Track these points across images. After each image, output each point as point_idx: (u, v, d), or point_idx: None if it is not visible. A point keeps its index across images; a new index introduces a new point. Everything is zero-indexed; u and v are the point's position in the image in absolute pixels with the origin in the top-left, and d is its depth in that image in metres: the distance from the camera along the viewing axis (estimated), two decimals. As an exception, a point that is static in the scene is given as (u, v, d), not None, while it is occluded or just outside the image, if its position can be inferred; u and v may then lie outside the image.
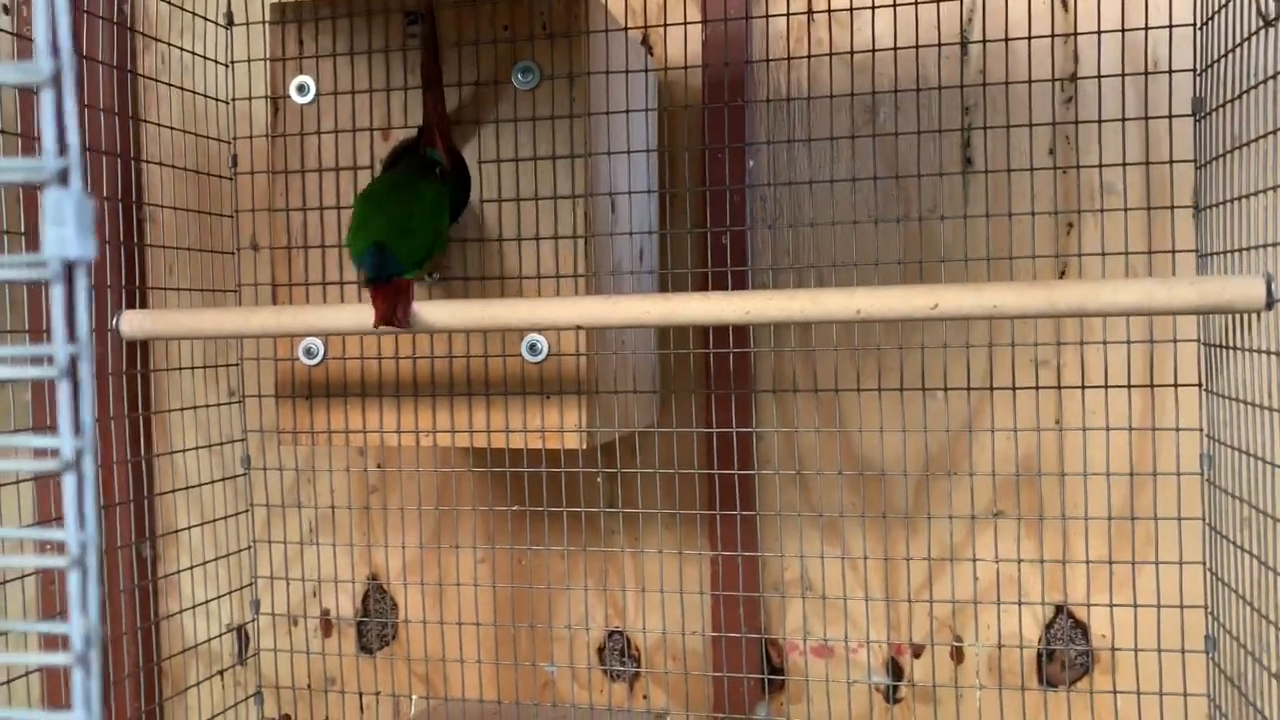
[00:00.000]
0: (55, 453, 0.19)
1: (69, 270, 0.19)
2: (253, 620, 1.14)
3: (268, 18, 0.89)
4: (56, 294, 0.19)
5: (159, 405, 1.14)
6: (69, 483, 0.19)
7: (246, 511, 1.10)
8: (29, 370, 0.20)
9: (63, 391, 0.19)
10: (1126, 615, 0.91)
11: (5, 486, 1.01)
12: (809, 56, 0.92)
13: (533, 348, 0.84)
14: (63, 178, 0.19)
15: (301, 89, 0.88)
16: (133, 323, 0.85)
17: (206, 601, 1.10)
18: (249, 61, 1.02)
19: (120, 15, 0.96)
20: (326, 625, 1.15)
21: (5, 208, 0.93)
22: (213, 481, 1.09)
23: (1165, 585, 0.89)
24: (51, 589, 1.08)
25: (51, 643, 0.96)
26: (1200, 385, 0.87)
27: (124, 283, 0.96)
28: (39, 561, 0.20)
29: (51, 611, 1.07)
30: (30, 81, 0.19)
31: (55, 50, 0.19)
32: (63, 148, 0.19)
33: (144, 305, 1.03)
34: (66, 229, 0.18)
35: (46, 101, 0.19)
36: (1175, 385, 0.87)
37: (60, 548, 0.19)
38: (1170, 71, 0.84)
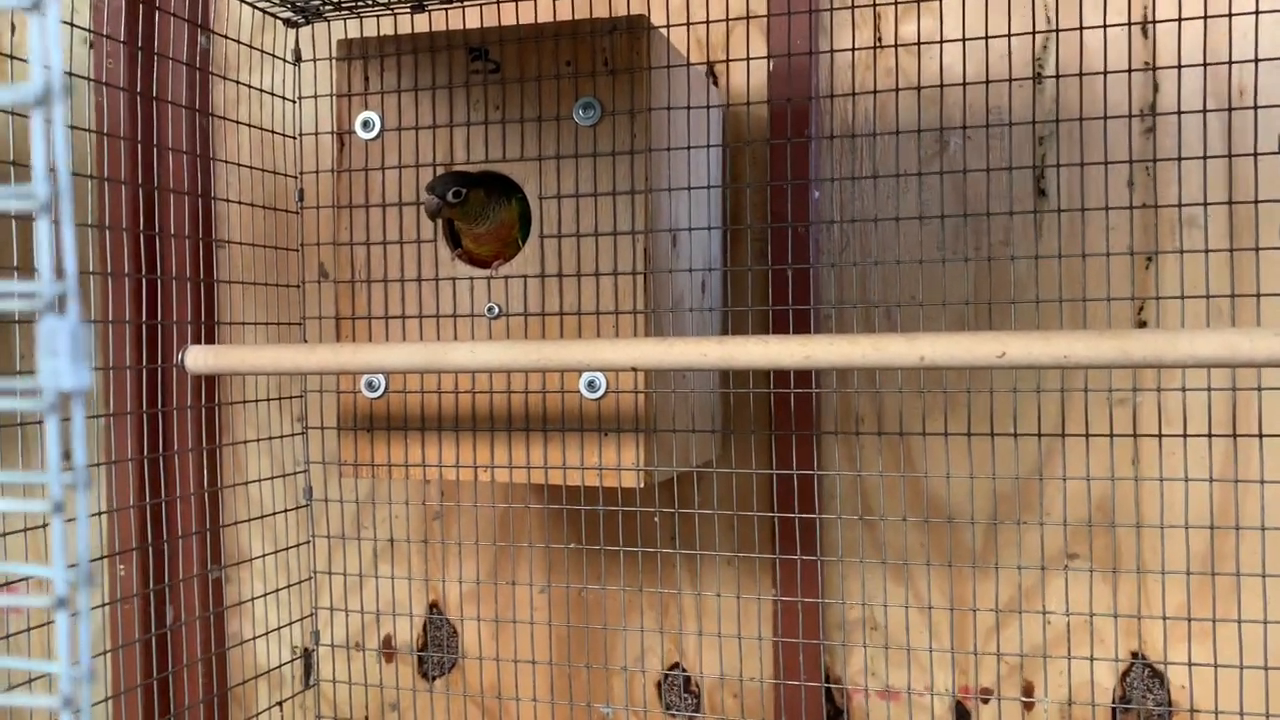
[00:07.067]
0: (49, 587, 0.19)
1: (64, 402, 0.18)
2: (314, 649, 1.14)
3: (334, 54, 0.90)
4: (50, 426, 0.18)
5: (234, 433, 1.16)
6: (61, 621, 0.18)
7: (309, 543, 1.11)
8: (29, 504, 0.19)
9: (56, 526, 0.18)
10: (1207, 673, 0.87)
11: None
12: (875, 92, 0.90)
13: (591, 384, 0.83)
14: (59, 305, 0.18)
15: (366, 124, 0.88)
16: (197, 359, 0.86)
17: (268, 632, 1.11)
18: (316, 98, 1.03)
19: (198, 58, 0.98)
20: (388, 654, 1.15)
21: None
22: (276, 513, 1.10)
23: (1249, 642, 0.84)
24: None
25: None
26: (1287, 435, 0.83)
27: (190, 318, 0.97)
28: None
29: None
30: (25, 208, 0.18)
31: (52, 174, 0.18)
32: (59, 273, 0.18)
33: (215, 339, 1.04)
34: (60, 360, 0.18)
35: (43, 227, 0.18)
36: (1260, 435, 0.83)
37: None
38: (1256, 107, 0.80)
